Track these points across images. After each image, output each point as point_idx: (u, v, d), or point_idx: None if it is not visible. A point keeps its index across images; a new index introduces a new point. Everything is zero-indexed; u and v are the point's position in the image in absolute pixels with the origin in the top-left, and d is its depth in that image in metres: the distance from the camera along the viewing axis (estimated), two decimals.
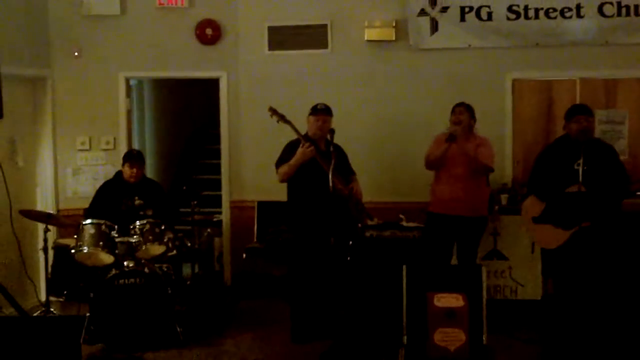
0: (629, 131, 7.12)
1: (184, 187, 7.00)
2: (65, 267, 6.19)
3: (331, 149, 5.73)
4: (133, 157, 6.54)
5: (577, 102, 6.87)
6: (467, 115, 6.07)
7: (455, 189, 6.00)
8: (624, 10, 6.92)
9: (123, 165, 6.52)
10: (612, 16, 6.94)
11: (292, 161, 5.86)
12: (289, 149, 5.97)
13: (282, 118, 5.95)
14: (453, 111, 6.12)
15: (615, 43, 7.02)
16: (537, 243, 6.08)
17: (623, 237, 6.01)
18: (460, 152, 5.94)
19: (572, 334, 5.48)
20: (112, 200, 6.44)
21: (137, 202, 6.22)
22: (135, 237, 5.99)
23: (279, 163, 5.99)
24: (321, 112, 5.99)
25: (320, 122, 5.96)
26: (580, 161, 5.42)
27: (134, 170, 6.44)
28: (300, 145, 5.85)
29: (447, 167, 6.02)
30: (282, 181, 6.01)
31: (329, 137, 5.85)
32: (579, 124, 5.55)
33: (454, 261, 6.14)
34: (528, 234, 5.88)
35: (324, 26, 7.45)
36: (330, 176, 5.45)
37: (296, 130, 5.93)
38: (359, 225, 6.17)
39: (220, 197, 7.85)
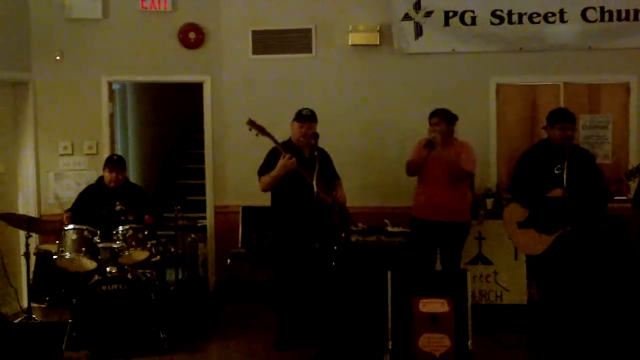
0: (613, 136, 7.15)
1: (169, 195, 6.94)
2: (47, 273, 6.16)
3: (315, 153, 5.63)
4: (113, 162, 6.46)
5: (562, 106, 6.88)
6: (443, 124, 5.98)
7: (435, 194, 5.97)
8: (607, 16, 6.95)
9: (103, 170, 6.47)
10: (595, 21, 6.97)
11: (274, 173, 5.74)
12: (271, 158, 5.85)
13: (261, 131, 5.75)
14: (429, 121, 6.05)
15: (599, 48, 7.06)
16: (520, 250, 6.08)
17: (605, 240, 6.04)
18: (440, 158, 5.90)
19: (559, 338, 5.49)
20: (93, 205, 6.37)
21: (117, 207, 6.15)
22: (118, 242, 5.93)
23: (261, 172, 5.90)
24: (306, 118, 5.86)
25: (305, 129, 5.83)
26: (562, 166, 5.43)
27: (114, 174, 6.36)
28: (281, 157, 5.70)
29: (427, 172, 5.99)
30: (264, 190, 5.91)
31: (312, 141, 5.75)
32: (563, 131, 5.56)
33: (437, 266, 6.13)
34: (511, 242, 5.86)
35: (308, 30, 7.43)
36: (314, 182, 5.35)
37: (276, 142, 5.77)
38: (343, 234, 6.05)
39: (204, 202, 7.81)
